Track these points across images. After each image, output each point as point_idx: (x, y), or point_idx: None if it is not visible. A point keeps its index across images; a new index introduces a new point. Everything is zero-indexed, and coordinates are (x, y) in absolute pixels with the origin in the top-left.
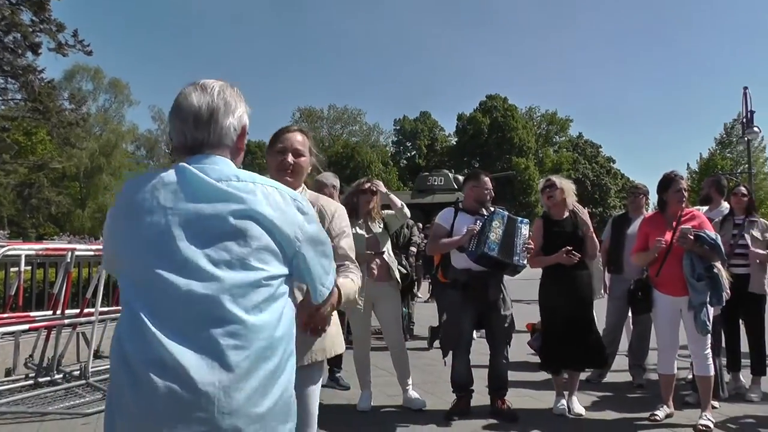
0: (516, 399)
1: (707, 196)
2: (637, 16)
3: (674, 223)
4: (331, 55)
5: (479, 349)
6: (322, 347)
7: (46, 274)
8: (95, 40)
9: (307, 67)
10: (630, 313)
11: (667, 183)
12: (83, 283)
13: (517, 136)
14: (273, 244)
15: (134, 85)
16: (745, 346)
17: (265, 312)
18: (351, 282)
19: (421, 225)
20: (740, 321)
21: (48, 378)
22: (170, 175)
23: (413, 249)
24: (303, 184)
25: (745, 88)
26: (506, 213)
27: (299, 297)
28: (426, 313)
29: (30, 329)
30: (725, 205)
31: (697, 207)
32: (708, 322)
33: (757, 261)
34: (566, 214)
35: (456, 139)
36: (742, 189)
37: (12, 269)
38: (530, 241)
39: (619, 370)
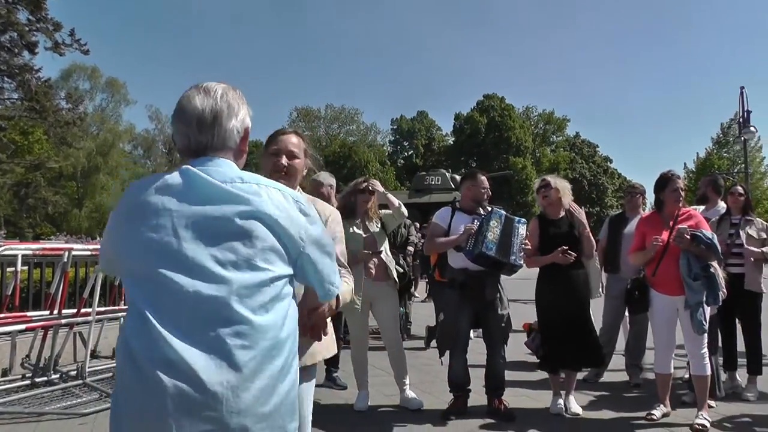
0: (513, 398)
1: (704, 195)
2: (634, 16)
3: (671, 223)
4: (328, 55)
5: (476, 349)
6: (312, 351)
7: (42, 273)
8: (92, 39)
9: (304, 66)
10: (627, 313)
11: (664, 182)
12: (80, 282)
13: (515, 135)
14: (278, 244)
15: (131, 84)
16: (741, 346)
17: (270, 312)
18: (346, 284)
19: (418, 224)
20: (737, 320)
21: (45, 378)
22: (175, 177)
23: (410, 249)
24: (298, 187)
25: (742, 88)
26: (504, 212)
27: (298, 298)
28: (423, 313)
29: (27, 329)
30: (722, 205)
31: (694, 206)
32: (704, 322)
33: (752, 259)
34: (562, 213)
35: (453, 139)
36: (739, 188)
37: (8, 269)
38: (527, 241)
39: (616, 370)
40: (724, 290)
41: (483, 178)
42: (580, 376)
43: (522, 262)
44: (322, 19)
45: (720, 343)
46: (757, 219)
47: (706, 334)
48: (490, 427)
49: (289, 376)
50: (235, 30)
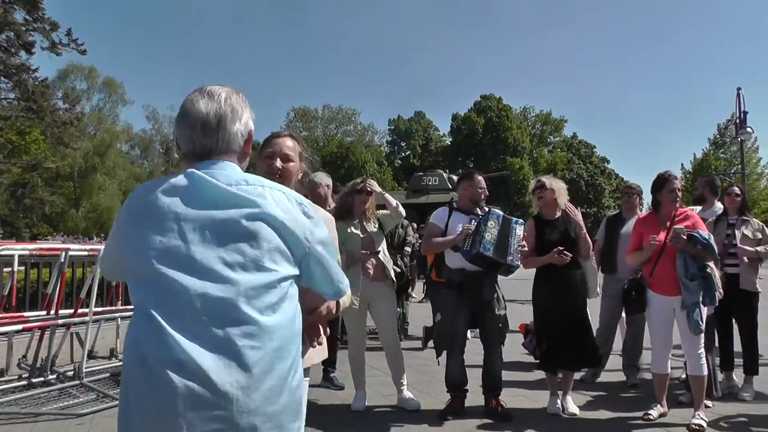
0: (510, 399)
1: (701, 196)
2: (632, 17)
3: (668, 223)
4: (325, 55)
5: (473, 349)
6: (306, 356)
7: (39, 274)
8: (89, 39)
9: (301, 66)
10: (624, 313)
11: (661, 183)
12: (77, 283)
13: (512, 136)
14: (283, 245)
15: (128, 84)
16: (738, 346)
17: (278, 313)
18: None
19: (415, 225)
20: (733, 321)
21: (41, 378)
22: (180, 180)
23: (408, 249)
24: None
25: (739, 88)
26: (501, 213)
27: None
28: (420, 313)
29: (23, 329)
30: (719, 205)
31: (691, 207)
32: (701, 322)
33: (745, 258)
34: (558, 214)
35: (450, 139)
36: (736, 189)
37: (5, 269)
38: (524, 242)
39: (613, 370)
40: (721, 290)
41: (480, 178)
42: (577, 376)
43: (519, 262)
44: (320, 20)
45: (717, 343)
46: (754, 219)
47: (702, 335)
48: (488, 427)
49: (296, 375)
50: (232, 30)
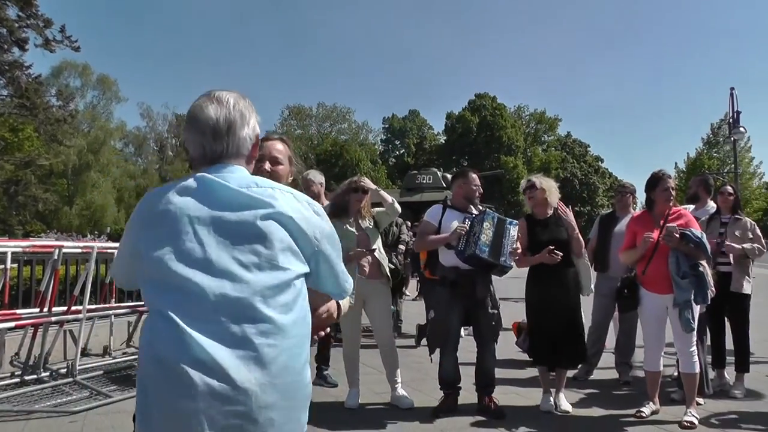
0: (503, 396)
1: (695, 194)
2: (628, 16)
3: (662, 222)
4: (320, 54)
5: (466, 347)
6: None
7: (33, 271)
8: (83, 36)
9: (296, 65)
10: (616, 311)
11: (655, 182)
12: (71, 280)
13: (506, 135)
14: (294, 244)
15: (123, 82)
16: (729, 344)
17: (293, 311)
18: None
19: (409, 223)
20: (725, 319)
21: (34, 376)
22: (192, 184)
23: (402, 247)
24: None
25: (732, 89)
26: (496, 214)
27: None
28: (414, 311)
29: (16, 327)
30: (711, 204)
31: (685, 206)
32: (692, 320)
33: (731, 257)
34: (550, 213)
35: (445, 138)
36: (729, 188)
37: None
38: (518, 244)
39: (605, 368)
40: (713, 289)
41: (474, 176)
42: (570, 374)
43: (512, 263)
44: (315, 18)
45: (708, 341)
46: (746, 218)
47: (694, 332)
48: (480, 424)
49: (307, 371)
50: (227, 27)
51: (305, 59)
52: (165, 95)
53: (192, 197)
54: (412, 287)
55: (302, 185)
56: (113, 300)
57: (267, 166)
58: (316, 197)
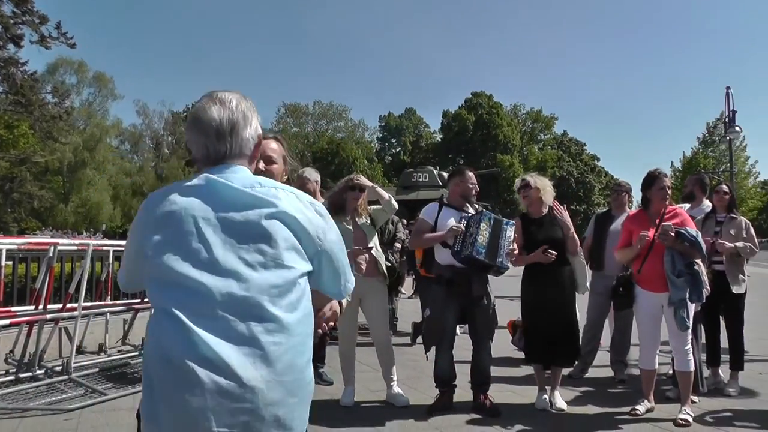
0: (498, 394)
1: (691, 193)
2: (624, 15)
3: (657, 221)
4: (317, 52)
5: (462, 345)
6: None
7: (28, 268)
8: (79, 33)
9: (292, 63)
10: (612, 309)
11: (651, 180)
12: (66, 278)
13: (502, 133)
14: (298, 243)
15: (119, 79)
16: (724, 342)
17: (298, 310)
18: None
19: (405, 221)
20: (720, 317)
21: (29, 374)
22: (197, 185)
23: (398, 245)
24: None
25: (728, 88)
26: (492, 214)
27: None
28: (409, 309)
29: (11, 324)
30: (707, 203)
31: (680, 204)
32: (687, 319)
33: (719, 251)
34: (545, 211)
35: (441, 136)
36: (724, 187)
37: None
38: (514, 245)
39: (600, 366)
40: (708, 287)
41: (471, 174)
42: (565, 372)
43: (509, 264)
44: (311, 16)
45: (703, 340)
46: (741, 217)
47: (690, 331)
48: (476, 422)
49: (310, 369)
50: (223, 25)
51: (302, 57)
52: (161, 93)
53: (197, 197)
54: (407, 285)
55: (297, 183)
56: (109, 297)
57: (261, 165)
58: (311, 195)
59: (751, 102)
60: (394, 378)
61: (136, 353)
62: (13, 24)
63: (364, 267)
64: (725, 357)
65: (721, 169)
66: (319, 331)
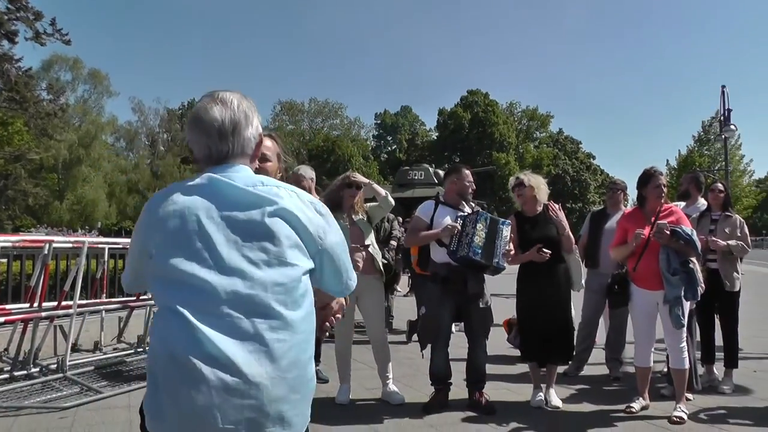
0: (494, 392)
1: (686, 191)
2: (621, 13)
3: (653, 219)
4: (313, 49)
5: (457, 343)
6: None
7: (22, 266)
8: (74, 29)
9: (288, 60)
10: (607, 307)
11: (647, 179)
12: (61, 275)
13: (498, 131)
14: (300, 241)
15: (114, 76)
16: (719, 340)
17: (302, 307)
18: None
19: (401, 219)
20: (715, 315)
21: (24, 372)
22: (200, 184)
23: (393, 243)
24: None
25: (723, 86)
26: (489, 215)
27: None
28: (405, 307)
29: (6, 322)
30: (702, 202)
31: (676, 203)
32: (682, 317)
33: (711, 248)
34: (539, 209)
35: (437, 134)
36: (719, 186)
37: None
38: (511, 245)
39: (596, 364)
40: (703, 285)
41: (468, 172)
42: (560, 369)
43: (505, 264)
44: (307, 14)
45: (698, 338)
46: (736, 216)
47: (685, 329)
48: (471, 420)
49: (312, 366)
50: (219, 22)
51: (297, 54)
52: (156, 90)
53: (200, 197)
54: (403, 283)
55: (292, 181)
56: (104, 295)
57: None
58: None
59: (746, 101)
60: (390, 376)
61: (132, 351)
62: (8, 20)
63: (361, 264)
64: (720, 355)
65: (717, 168)
66: (327, 324)
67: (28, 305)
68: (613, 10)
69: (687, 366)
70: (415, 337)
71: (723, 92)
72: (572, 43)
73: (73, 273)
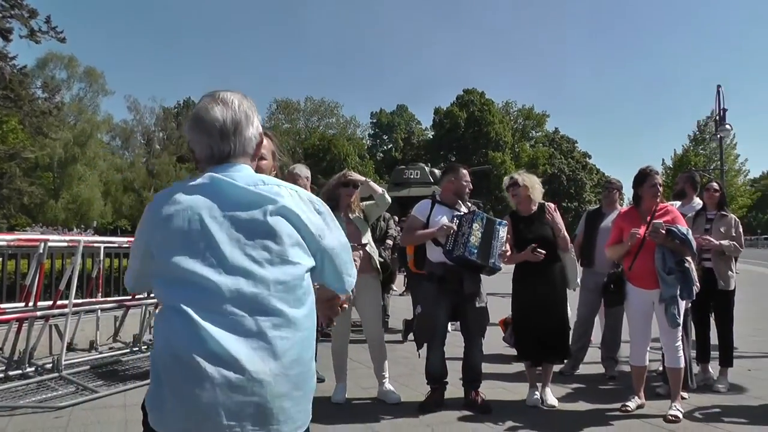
0: (490, 391)
1: (682, 191)
2: (617, 13)
3: (648, 218)
4: (309, 48)
5: (453, 342)
6: None
7: (18, 265)
8: (69, 27)
9: (284, 59)
10: (603, 306)
11: (643, 178)
12: (56, 274)
13: (494, 130)
14: (301, 240)
15: (109, 74)
16: (714, 339)
17: (304, 305)
18: None
19: (397, 218)
20: (710, 314)
21: (19, 371)
22: (202, 184)
23: (389, 242)
24: None
25: (719, 86)
26: (485, 215)
27: None
28: (401, 306)
29: (0, 321)
30: (697, 201)
31: (671, 202)
32: (678, 315)
33: (704, 246)
34: (534, 209)
35: (433, 133)
36: (714, 185)
37: None
38: (507, 246)
39: (591, 362)
40: (698, 284)
41: (465, 172)
42: (556, 368)
43: (501, 264)
44: (304, 13)
45: (693, 336)
46: (731, 215)
47: (680, 328)
48: (467, 419)
49: (313, 363)
50: (215, 21)
51: (293, 53)
52: (152, 88)
53: (202, 196)
54: (399, 282)
55: (288, 180)
56: (100, 294)
57: None
58: None
59: (741, 100)
60: (386, 375)
61: (128, 350)
62: (2, 18)
63: (357, 263)
64: (715, 353)
65: (712, 167)
66: (332, 315)
67: (23, 304)
68: (610, 9)
69: (682, 365)
70: (411, 336)
71: (718, 92)
72: (568, 42)
73: (69, 272)
